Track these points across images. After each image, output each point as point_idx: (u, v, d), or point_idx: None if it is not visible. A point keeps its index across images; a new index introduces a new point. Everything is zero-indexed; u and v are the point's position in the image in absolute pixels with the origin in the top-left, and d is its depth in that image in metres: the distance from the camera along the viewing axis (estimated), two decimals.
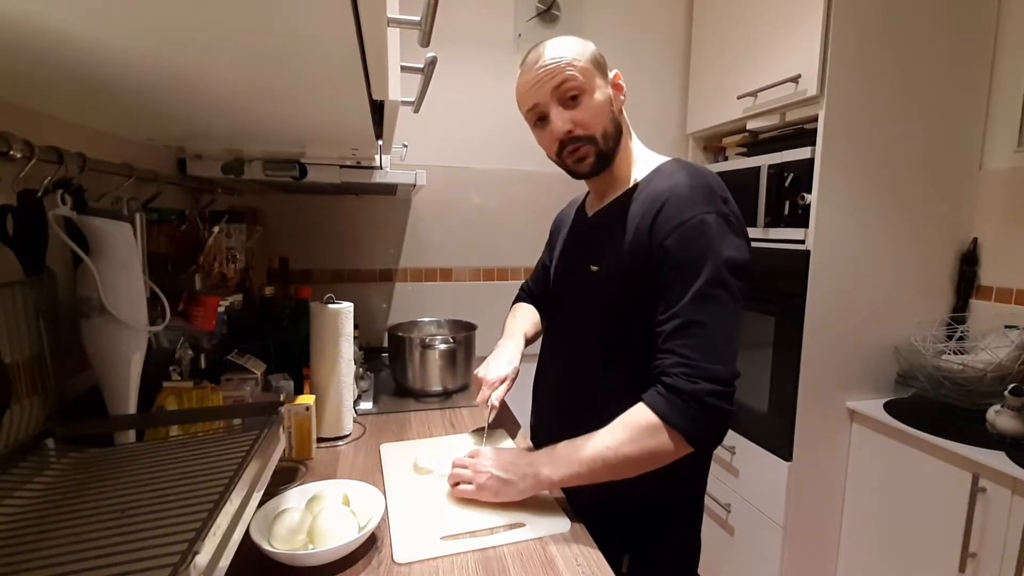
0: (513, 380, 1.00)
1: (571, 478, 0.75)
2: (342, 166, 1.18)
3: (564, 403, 0.92)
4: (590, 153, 0.80)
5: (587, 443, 0.74)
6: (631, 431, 0.72)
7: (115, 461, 0.62)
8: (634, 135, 0.89)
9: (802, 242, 1.45)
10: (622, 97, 0.84)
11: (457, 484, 0.82)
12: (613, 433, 0.73)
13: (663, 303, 0.73)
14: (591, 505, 0.80)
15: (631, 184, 0.84)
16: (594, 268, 0.83)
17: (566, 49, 0.78)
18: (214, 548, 0.42)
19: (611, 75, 0.82)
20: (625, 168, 0.86)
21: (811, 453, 1.48)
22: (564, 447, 0.77)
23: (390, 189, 1.44)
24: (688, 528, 0.87)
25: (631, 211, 0.80)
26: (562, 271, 0.96)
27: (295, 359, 1.13)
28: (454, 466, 0.84)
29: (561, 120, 0.78)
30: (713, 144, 1.98)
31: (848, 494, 1.52)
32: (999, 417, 1.21)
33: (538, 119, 0.82)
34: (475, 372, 1.01)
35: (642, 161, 0.86)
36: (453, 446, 1.01)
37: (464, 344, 1.39)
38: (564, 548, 0.71)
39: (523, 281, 1.26)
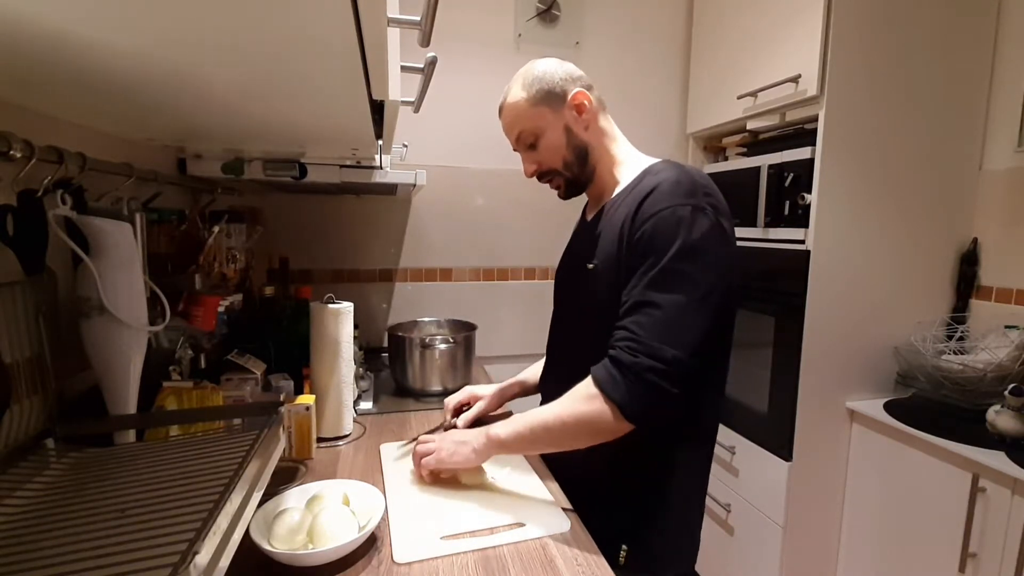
0: (479, 408, 1.11)
1: (516, 438, 0.80)
2: (342, 166, 1.18)
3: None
4: (560, 183, 0.91)
5: (537, 410, 0.81)
6: (571, 399, 0.77)
7: (115, 461, 0.62)
8: (621, 139, 0.91)
9: (802, 242, 1.45)
10: (585, 116, 0.87)
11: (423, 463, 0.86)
12: (559, 401, 0.78)
13: (628, 286, 0.76)
14: (592, 495, 0.82)
15: (622, 187, 0.87)
16: (590, 266, 0.85)
17: (513, 101, 0.88)
18: (214, 548, 0.42)
19: (571, 95, 0.86)
20: (612, 174, 0.90)
21: (811, 453, 1.48)
22: (518, 415, 0.83)
23: (390, 189, 1.44)
24: (688, 522, 0.87)
25: (620, 209, 0.82)
26: (563, 273, 0.99)
27: (295, 359, 1.13)
28: (417, 455, 0.89)
29: (526, 163, 0.92)
30: (713, 144, 1.98)
31: (848, 494, 1.52)
32: (999, 417, 1.21)
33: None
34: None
35: (631, 164, 0.89)
36: None
37: (464, 344, 1.38)
38: (564, 548, 0.71)
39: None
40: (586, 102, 0.86)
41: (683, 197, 0.75)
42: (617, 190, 0.87)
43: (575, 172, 0.89)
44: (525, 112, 0.86)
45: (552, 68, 0.87)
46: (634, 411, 0.71)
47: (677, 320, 0.71)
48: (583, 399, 0.75)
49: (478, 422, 1.08)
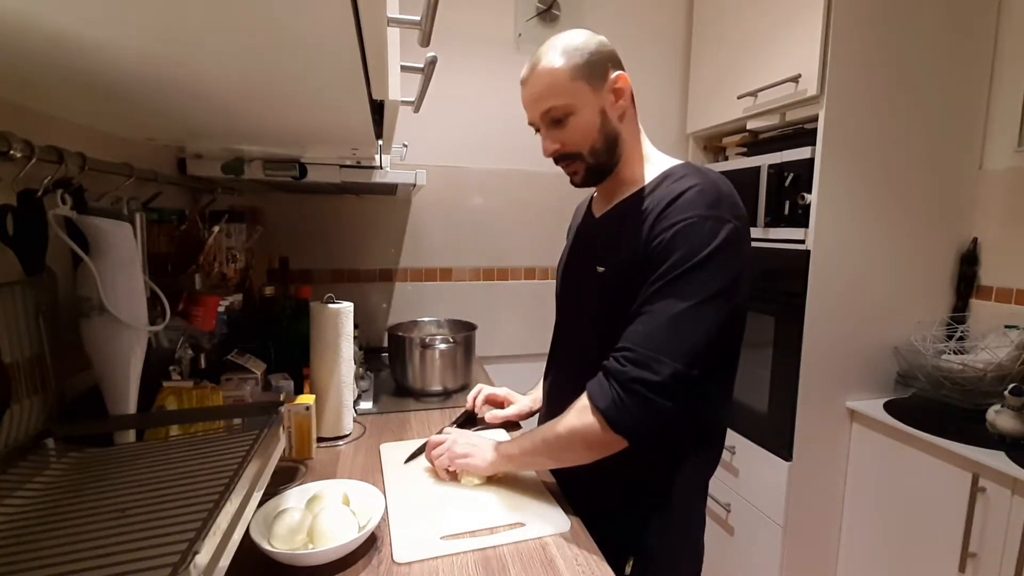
0: (511, 411, 1.13)
1: (522, 453, 0.83)
2: (342, 166, 1.18)
3: (566, 402, 0.92)
4: (579, 169, 0.83)
5: (542, 426, 0.81)
6: (568, 411, 0.76)
7: (115, 461, 0.62)
8: (644, 136, 0.87)
9: (802, 242, 1.45)
10: (622, 102, 0.80)
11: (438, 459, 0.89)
12: (561, 415, 0.78)
13: (639, 295, 0.74)
14: (599, 507, 0.81)
15: (639, 187, 0.82)
16: (600, 269, 0.82)
17: (549, 68, 0.77)
18: (214, 548, 0.42)
19: (612, 77, 0.79)
20: (631, 171, 0.84)
21: (811, 453, 1.48)
22: (527, 431, 0.86)
23: (390, 189, 1.44)
24: (693, 534, 0.87)
25: (638, 214, 0.79)
26: (569, 272, 0.96)
27: (295, 359, 1.13)
28: (430, 445, 0.92)
29: (548, 141, 0.82)
30: (713, 144, 1.98)
31: (848, 494, 1.52)
32: (999, 417, 1.21)
33: (536, 131, 0.85)
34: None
35: (652, 163, 0.84)
36: None
37: (464, 344, 1.38)
38: (564, 548, 0.71)
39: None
40: (625, 88, 0.80)
41: (706, 208, 0.72)
42: (634, 189, 0.83)
43: (600, 160, 0.81)
44: (561, 84, 0.77)
45: (594, 41, 0.78)
46: (622, 423, 0.69)
47: (675, 328, 0.69)
48: (576, 411, 0.74)
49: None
